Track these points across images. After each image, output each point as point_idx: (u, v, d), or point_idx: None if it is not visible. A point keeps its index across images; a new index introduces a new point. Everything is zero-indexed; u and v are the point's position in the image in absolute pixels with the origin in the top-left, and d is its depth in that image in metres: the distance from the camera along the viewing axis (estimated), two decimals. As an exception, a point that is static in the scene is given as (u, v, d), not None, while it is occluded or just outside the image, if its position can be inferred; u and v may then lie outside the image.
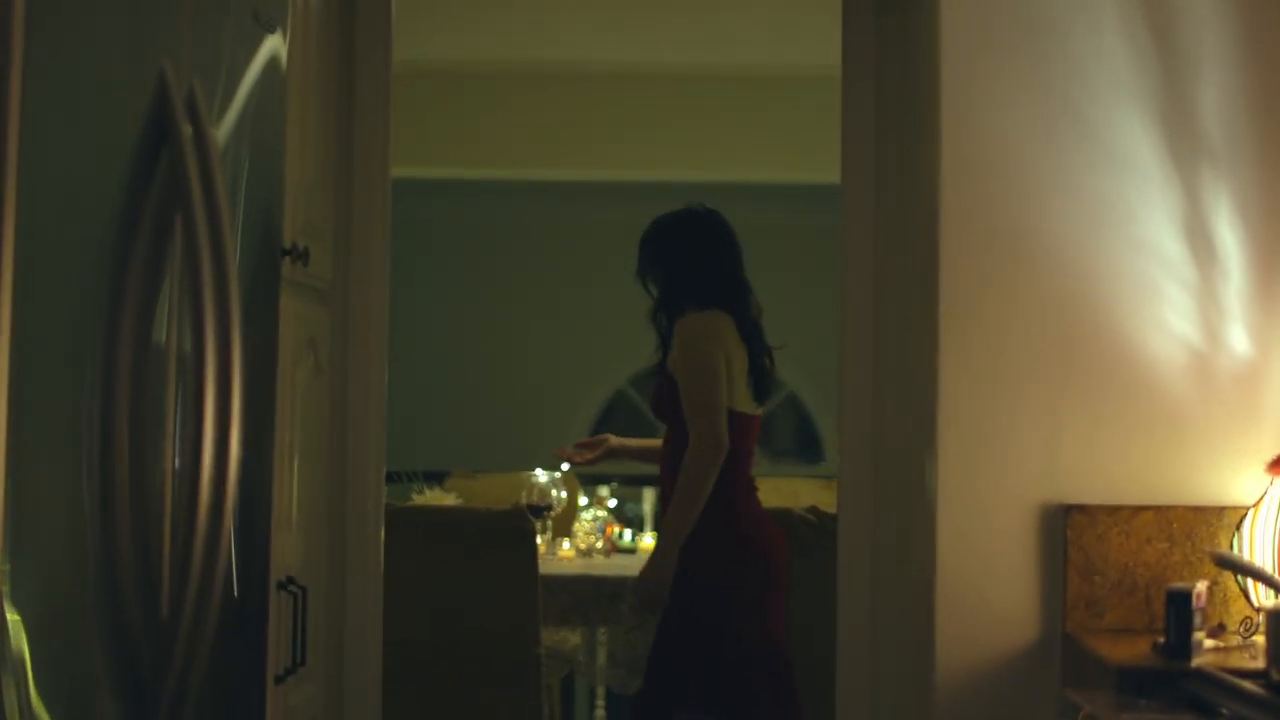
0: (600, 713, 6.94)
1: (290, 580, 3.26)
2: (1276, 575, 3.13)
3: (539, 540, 5.80)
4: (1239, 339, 3.36)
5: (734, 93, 7.98)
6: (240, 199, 2.46)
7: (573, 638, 6.16)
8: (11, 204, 1.75)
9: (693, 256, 4.76)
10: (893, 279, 4.06)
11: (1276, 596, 3.10)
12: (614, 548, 6.61)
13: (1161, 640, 3.02)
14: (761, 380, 4.77)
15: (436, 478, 7.54)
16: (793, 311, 8.30)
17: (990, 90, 3.39)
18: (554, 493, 6.39)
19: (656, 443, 4.95)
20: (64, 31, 1.90)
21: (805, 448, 9.77)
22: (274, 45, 2.64)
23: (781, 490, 6.98)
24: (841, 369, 4.17)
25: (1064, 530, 3.31)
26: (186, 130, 2.15)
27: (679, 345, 4.63)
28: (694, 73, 7.82)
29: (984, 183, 3.38)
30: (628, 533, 6.91)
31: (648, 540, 6.67)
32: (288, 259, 3.13)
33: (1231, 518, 3.30)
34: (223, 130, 2.37)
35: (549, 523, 6.40)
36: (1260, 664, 2.87)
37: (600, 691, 6.89)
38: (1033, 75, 3.39)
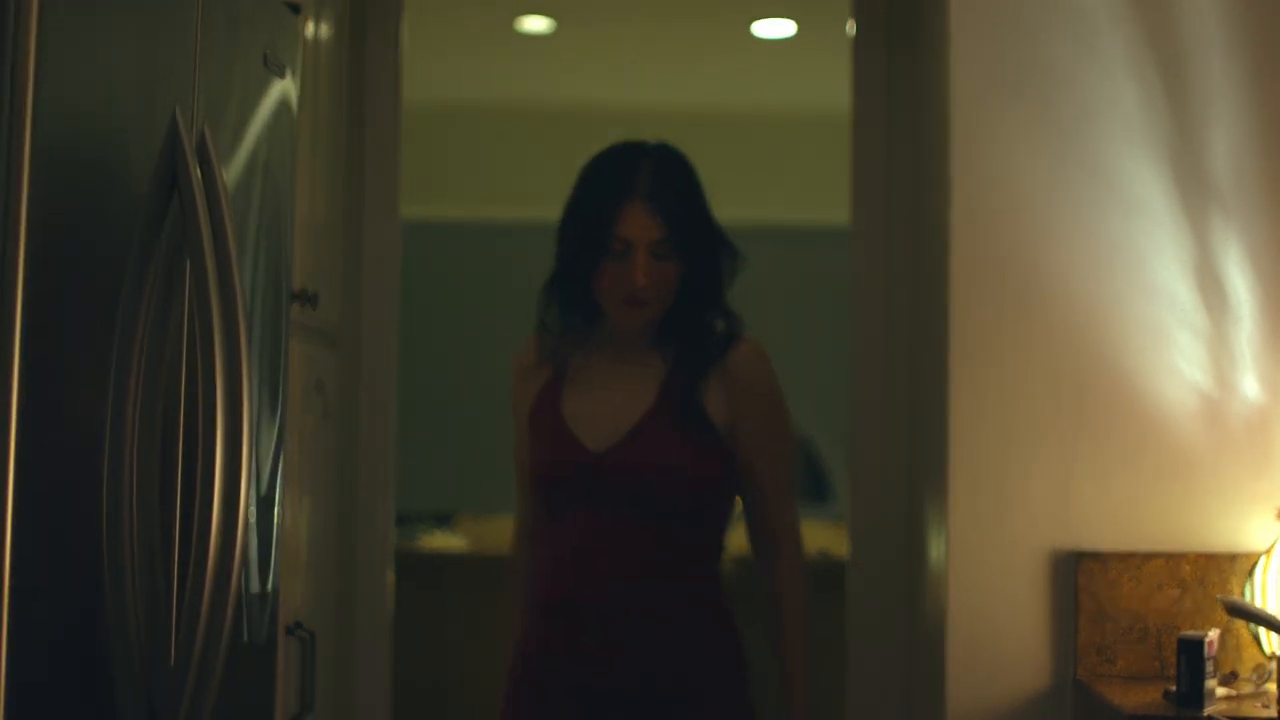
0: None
1: (299, 625, 3.25)
2: (1289, 622, 3.11)
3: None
4: (1250, 385, 3.35)
5: (740, 133, 7.99)
6: (249, 241, 2.46)
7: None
8: (23, 246, 1.75)
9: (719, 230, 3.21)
10: (902, 322, 4.06)
11: (1289, 644, 3.09)
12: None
13: (1173, 688, 3.00)
14: None
15: (443, 519, 7.52)
16: (801, 351, 8.31)
17: (1000, 134, 3.39)
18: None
19: None
20: (76, 75, 1.90)
21: (811, 488, 9.75)
22: (284, 88, 2.64)
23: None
24: (851, 414, 4.16)
25: (1075, 576, 3.30)
26: (197, 175, 2.15)
27: (749, 384, 3.11)
28: (702, 113, 7.83)
29: (994, 227, 3.38)
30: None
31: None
32: (296, 303, 3.13)
33: (1244, 564, 3.28)
34: (232, 172, 2.38)
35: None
36: (1273, 712, 2.85)
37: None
38: (1042, 119, 3.39)
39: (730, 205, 8.38)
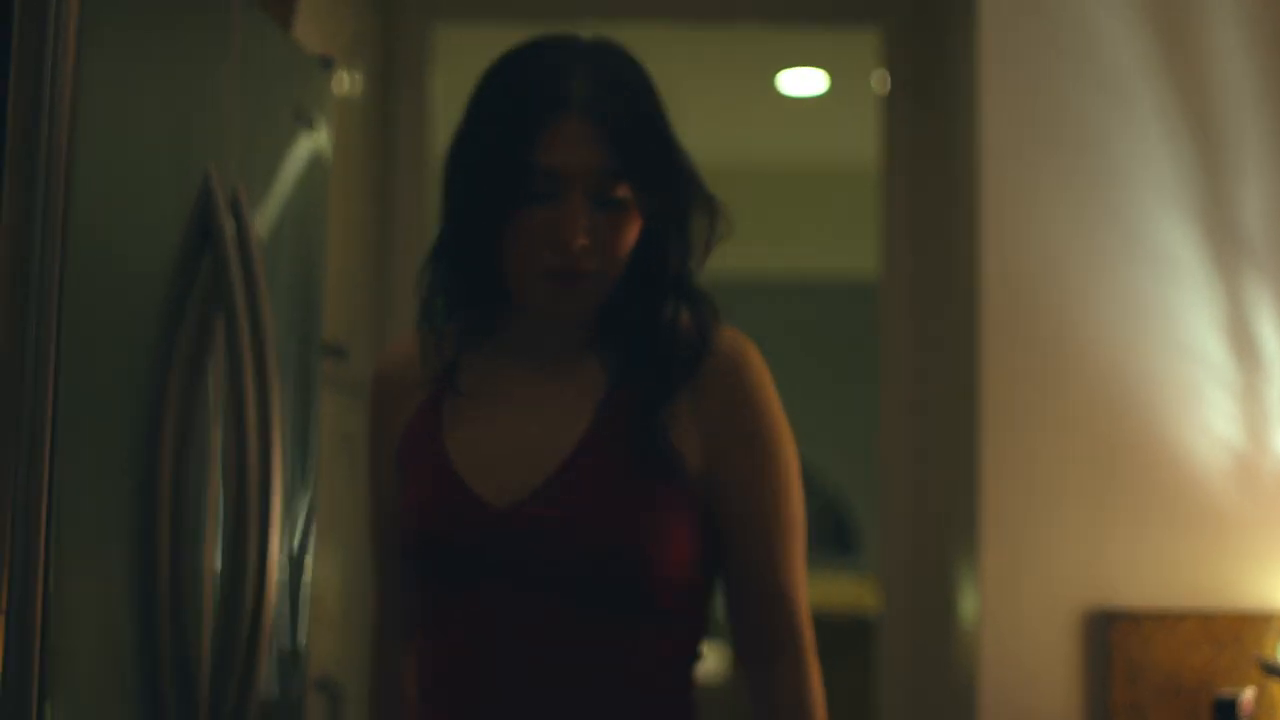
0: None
1: (327, 681, 3.23)
2: (1324, 683, 3.09)
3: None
4: (1283, 442, 3.34)
5: (765, 187, 8.00)
6: (281, 295, 2.46)
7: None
8: (56, 302, 1.75)
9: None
10: (932, 374, 4.05)
11: (1325, 704, 3.06)
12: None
13: (1208, 748, 2.98)
14: None
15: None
16: (828, 402, 8.30)
17: (1032, 190, 3.38)
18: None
19: None
20: (111, 133, 1.91)
21: (838, 541, 9.73)
22: (316, 141, 2.64)
23: (815, 587, 6.94)
24: (882, 468, 4.14)
25: (1108, 634, 3.27)
26: (230, 231, 2.15)
27: (733, 402, 2.09)
28: (728, 166, 7.84)
29: (1026, 282, 3.37)
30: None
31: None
32: (327, 357, 3.13)
33: (1279, 623, 3.26)
34: (264, 227, 2.38)
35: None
36: (1310, 774, 2.83)
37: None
38: (1074, 175, 3.39)
39: (755, 257, 8.39)
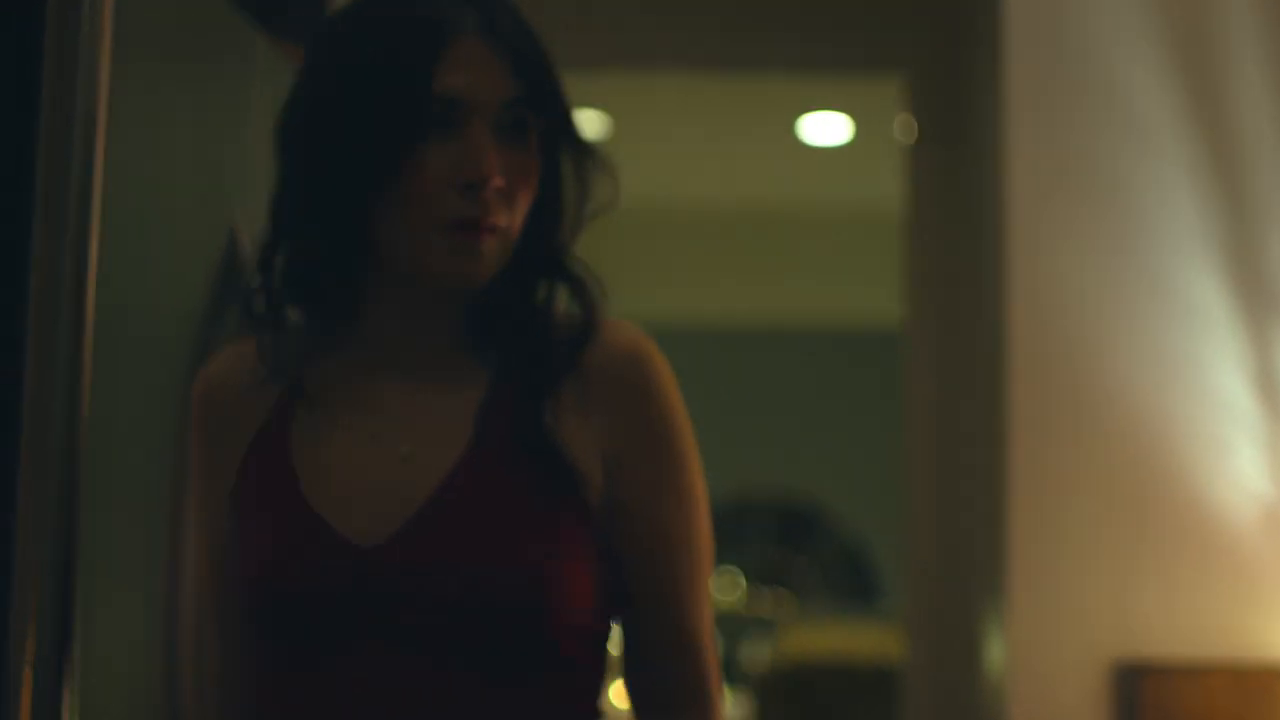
0: None
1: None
2: (1356, 736, 3.06)
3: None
4: (1312, 493, 3.32)
5: (786, 233, 7.99)
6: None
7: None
8: (88, 361, 1.75)
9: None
10: (957, 423, 4.03)
11: (1357, 758, 3.03)
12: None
13: (1239, 803, 2.96)
14: None
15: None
16: (850, 448, 8.28)
17: (1058, 239, 3.37)
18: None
19: None
20: (140, 176, 1.91)
21: (858, 588, 9.69)
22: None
23: (837, 634, 6.91)
24: (906, 519, 4.13)
25: (1137, 687, 3.25)
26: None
27: (628, 402, 1.74)
28: (748, 209, 7.84)
29: (1053, 333, 3.36)
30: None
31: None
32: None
33: (1308, 676, 3.24)
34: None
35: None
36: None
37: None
38: (1100, 224, 3.38)
39: (768, 307, 8.35)
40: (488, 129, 1.67)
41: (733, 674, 7.47)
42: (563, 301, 1.77)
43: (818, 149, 6.91)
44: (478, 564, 1.64)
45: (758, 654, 7.45)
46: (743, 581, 8.60)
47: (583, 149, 1.75)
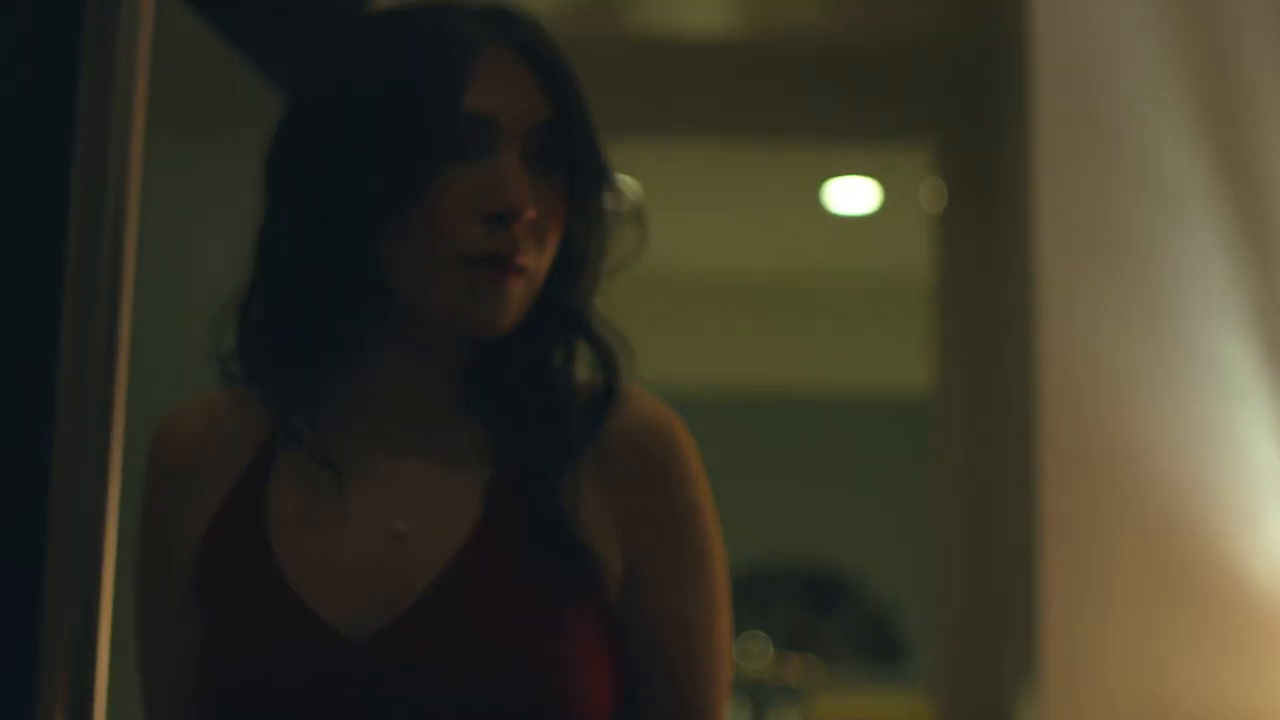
0: None
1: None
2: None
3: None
4: (1348, 563, 3.29)
5: (811, 301, 7.99)
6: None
7: None
8: (118, 431, 1.75)
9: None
10: (986, 492, 4.01)
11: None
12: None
13: None
14: None
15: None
16: (874, 519, 8.26)
17: (1089, 308, 3.36)
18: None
19: None
20: (170, 256, 1.91)
21: (883, 652, 9.63)
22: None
23: (866, 701, 6.86)
24: (935, 588, 4.11)
25: (1170, 759, 3.22)
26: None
27: (653, 483, 1.53)
28: (771, 277, 7.84)
29: (1085, 402, 3.34)
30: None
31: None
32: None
33: (1344, 748, 3.20)
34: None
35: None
36: None
37: None
38: (1130, 290, 3.36)
39: (797, 375, 8.32)
40: (517, 155, 1.48)
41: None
42: (580, 363, 1.58)
43: (845, 218, 6.91)
44: (483, 664, 1.43)
45: (786, 721, 7.41)
46: (770, 648, 8.56)
47: (612, 188, 1.56)
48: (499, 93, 1.48)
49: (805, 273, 7.78)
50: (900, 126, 4.47)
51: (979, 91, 4.17)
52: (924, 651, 8.14)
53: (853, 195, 6.61)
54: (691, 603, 1.52)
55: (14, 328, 1.72)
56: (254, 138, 2.18)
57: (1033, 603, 3.34)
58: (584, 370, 1.59)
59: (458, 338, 1.53)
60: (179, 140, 1.95)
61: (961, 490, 4.12)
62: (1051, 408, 3.34)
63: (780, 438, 8.29)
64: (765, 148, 5.37)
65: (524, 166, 1.48)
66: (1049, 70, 3.41)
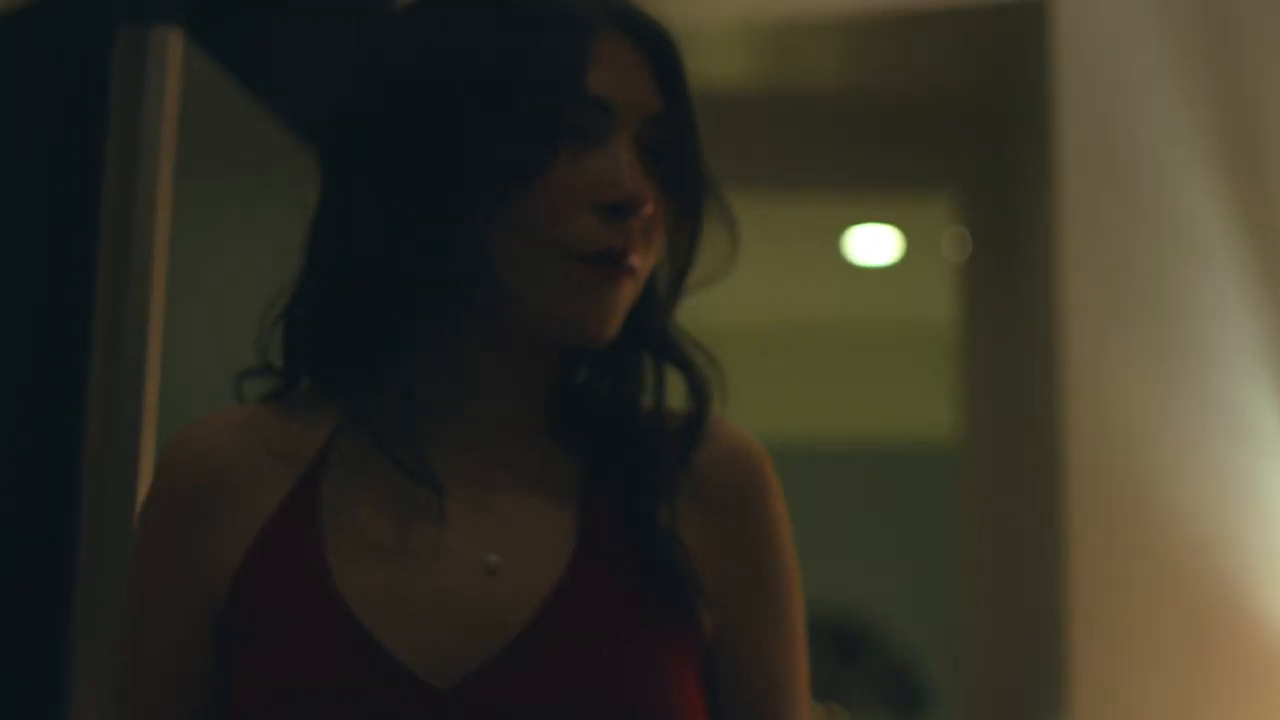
0: None
1: None
2: None
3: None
4: (1375, 616, 3.27)
5: (833, 350, 7.99)
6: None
7: None
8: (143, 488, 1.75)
9: None
10: (1013, 542, 4.00)
11: None
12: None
13: None
14: None
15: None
16: (896, 565, 8.24)
17: (1115, 360, 3.35)
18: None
19: None
20: (199, 309, 1.92)
21: (912, 703, 9.57)
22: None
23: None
24: (962, 640, 4.09)
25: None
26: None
27: (746, 517, 1.42)
28: (794, 327, 7.84)
29: (1111, 455, 3.33)
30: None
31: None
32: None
33: (1374, 799, 3.18)
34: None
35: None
36: None
37: None
38: (1155, 341, 3.35)
39: (818, 421, 8.29)
40: (631, 145, 1.36)
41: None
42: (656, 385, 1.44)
43: (866, 269, 6.91)
44: (586, 710, 1.28)
45: (810, 772, 7.37)
46: (794, 699, 8.54)
47: (713, 194, 1.42)
48: (616, 78, 1.35)
49: (827, 322, 7.78)
50: (922, 175, 4.47)
51: (1001, 140, 4.17)
52: (948, 702, 8.09)
53: (874, 244, 6.61)
54: (782, 654, 1.43)
55: (44, 374, 1.72)
56: (278, 185, 2.19)
57: (1059, 653, 3.32)
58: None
59: (548, 348, 1.39)
60: (205, 189, 1.96)
61: (987, 539, 4.10)
62: (1078, 456, 3.33)
63: (803, 487, 8.26)
64: (786, 197, 5.37)
65: (638, 156, 1.36)
66: (1072, 119, 3.41)
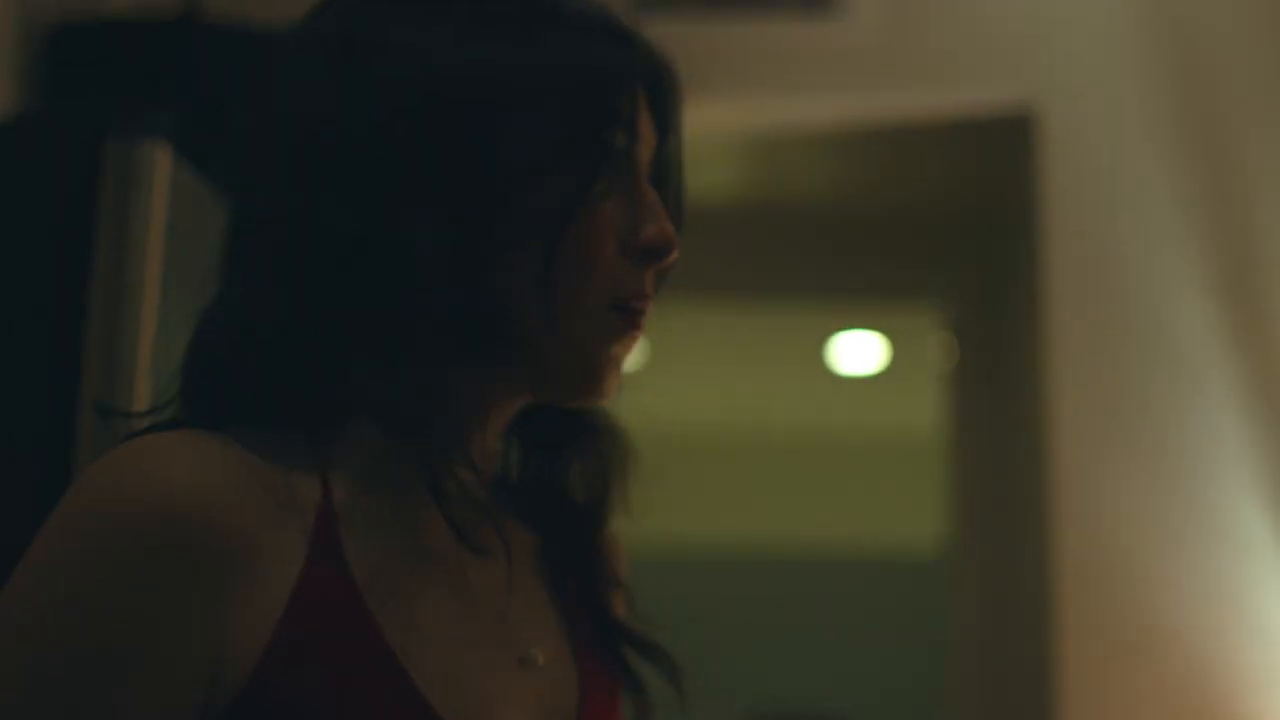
0: None
1: None
2: None
3: None
4: (1369, 728, 3.24)
5: (809, 458, 7.97)
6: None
7: None
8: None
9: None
10: (1002, 652, 3.97)
11: None
12: None
13: None
14: None
15: None
16: (880, 678, 8.19)
17: (1104, 473, 3.34)
18: None
19: None
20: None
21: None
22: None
23: None
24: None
25: None
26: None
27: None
28: (779, 436, 7.83)
29: (1101, 569, 3.31)
30: None
31: None
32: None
33: None
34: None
35: None
36: None
37: None
38: (1144, 453, 3.34)
39: (803, 533, 8.26)
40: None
41: None
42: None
43: (852, 378, 6.91)
44: None
45: None
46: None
47: None
48: (642, 128, 1.20)
49: (812, 432, 7.78)
50: (909, 283, 4.48)
51: (989, 249, 4.18)
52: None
53: (860, 351, 6.61)
54: None
55: (31, 462, 1.71)
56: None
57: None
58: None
59: (520, 399, 1.22)
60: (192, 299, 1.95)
61: (974, 650, 4.07)
62: (1067, 566, 3.31)
63: (789, 595, 8.24)
64: (772, 306, 5.38)
65: None
66: (1059, 230, 3.42)
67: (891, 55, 3.49)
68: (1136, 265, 3.39)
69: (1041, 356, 3.42)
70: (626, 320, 1.18)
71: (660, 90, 1.22)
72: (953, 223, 4.29)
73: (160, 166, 1.79)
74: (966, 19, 3.49)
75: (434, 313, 1.11)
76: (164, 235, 1.78)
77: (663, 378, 7.05)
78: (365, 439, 1.15)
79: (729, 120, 3.63)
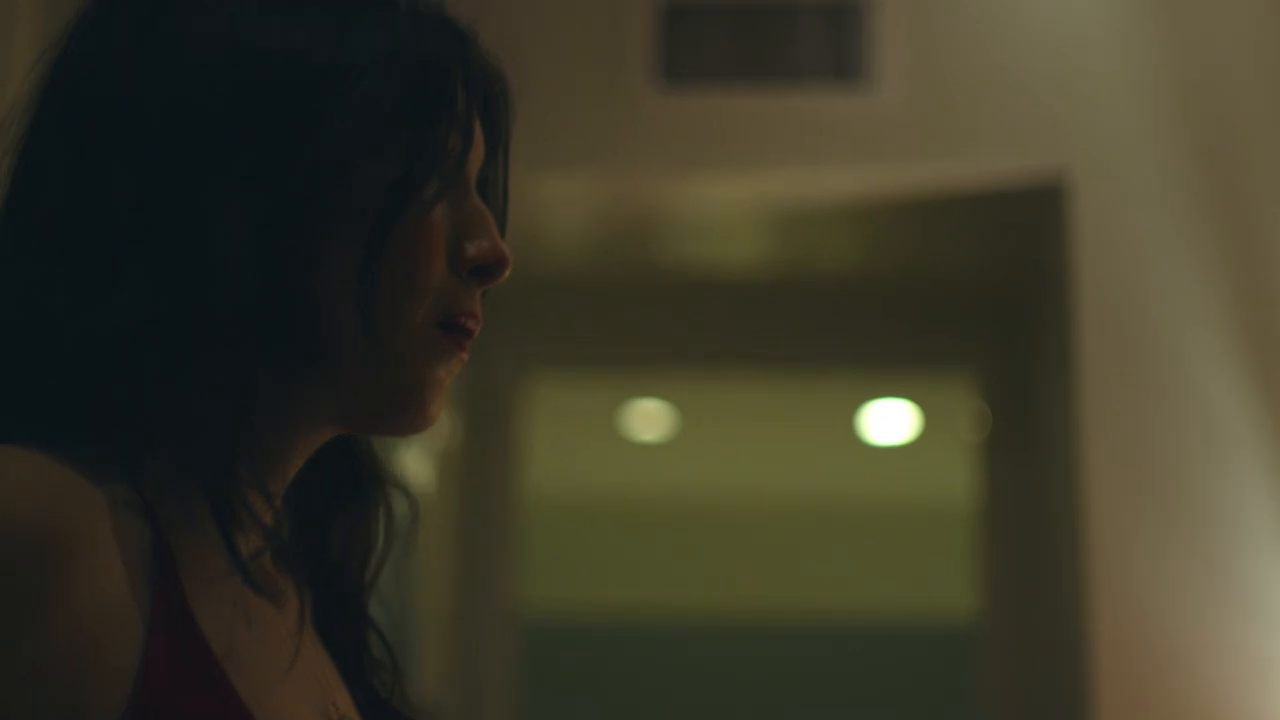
0: None
1: None
2: None
3: None
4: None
5: (840, 527, 7.96)
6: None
7: None
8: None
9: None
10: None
11: None
12: None
13: None
14: None
15: None
16: None
17: (1136, 547, 3.32)
18: None
19: None
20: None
21: None
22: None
23: None
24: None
25: None
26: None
27: None
28: (811, 505, 7.82)
29: (1136, 645, 3.28)
30: None
31: None
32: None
33: None
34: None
35: None
36: None
37: None
38: (1177, 524, 3.33)
39: (818, 603, 8.24)
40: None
41: None
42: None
43: (884, 447, 6.90)
44: None
45: None
46: None
47: None
48: (474, 115, 1.10)
49: (843, 501, 7.77)
50: (941, 352, 4.48)
51: (1021, 318, 4.18)
52: None
53: (892, 421, 6.60)
54: None
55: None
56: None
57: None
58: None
59: (326, 431, 1.10)
60: None
61: (1008, 718, 4.05)
62: (1101, 635, 3.30)
63: (821, 665, 8.22)
64: (804, 376, 5.39)
65: None
66: (1091, 299, 3.41)
67: (921, 126, 3.50)
68: (1168, 335, 3.39)
69: (1073, 426, 3.41)
70: (454, 341, 1.07)
71: (493, 100, 1.12)
72: (984, 293, 4.29)
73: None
74: (996, 90, 3.50)
75: (227, 301, 0.98)
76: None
77: (695, 447, 7.05)
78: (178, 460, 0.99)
79: (760, 192, 3.64)
